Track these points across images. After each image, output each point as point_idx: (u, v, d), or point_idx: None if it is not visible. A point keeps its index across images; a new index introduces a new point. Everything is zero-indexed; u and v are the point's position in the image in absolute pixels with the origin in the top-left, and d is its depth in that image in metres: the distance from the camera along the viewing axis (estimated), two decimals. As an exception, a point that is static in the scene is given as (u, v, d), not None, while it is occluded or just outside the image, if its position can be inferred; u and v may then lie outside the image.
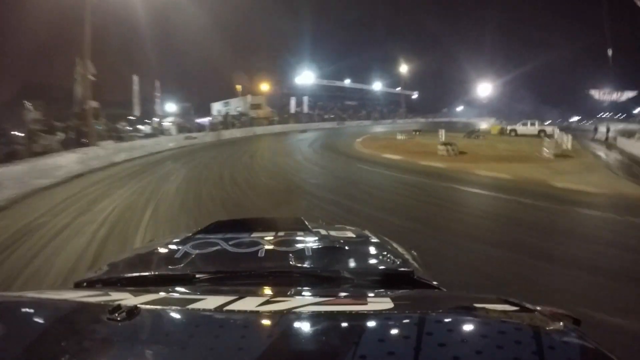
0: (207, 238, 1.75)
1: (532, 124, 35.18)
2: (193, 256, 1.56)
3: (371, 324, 0.83)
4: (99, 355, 0.76)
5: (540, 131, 32.93)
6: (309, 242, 1.68)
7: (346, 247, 1.73)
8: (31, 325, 0.89)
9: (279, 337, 0.78)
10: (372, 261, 1.68)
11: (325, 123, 51.19)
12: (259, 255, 1.55)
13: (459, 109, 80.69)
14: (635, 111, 75.04)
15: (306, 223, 1.99)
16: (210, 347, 0.77)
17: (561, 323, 0.86)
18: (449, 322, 0.85)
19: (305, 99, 54.29)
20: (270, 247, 1.63)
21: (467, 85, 77.51)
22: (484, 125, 54.59)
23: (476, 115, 74.32)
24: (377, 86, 73.97)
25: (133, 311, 0.87)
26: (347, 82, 68.00)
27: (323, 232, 1.90)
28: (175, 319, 0.94)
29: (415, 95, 76.53)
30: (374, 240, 1.92)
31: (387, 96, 74.05)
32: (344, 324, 0.85)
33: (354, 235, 1.96)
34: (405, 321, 0.86)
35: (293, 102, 51.86)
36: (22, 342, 0.80)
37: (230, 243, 1.66)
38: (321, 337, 0.81)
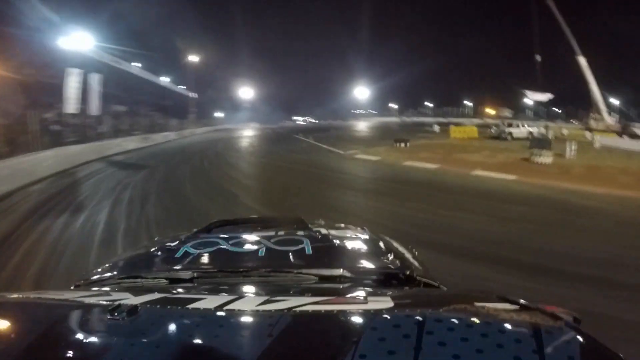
0: (207, 237, 1.74)
1: (523, 125, 32.89)
2: (193, 256, 1.55)
3: (371, 323, 0.82)
4: (100, 355, 0.75)
5: (529, 133, 30.30)
6: (309, 241, 1.65)
7: (346, 247, 1.74)
8: (32, 326, 0.89)
9: (279, 337, 0.77)
10: (373, 260, 1.63)
11: (122, 139, 26.00)
12: (259, 254, 1.55)
13: (219, 114, 69.27)
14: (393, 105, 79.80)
15: (306, 222, 1.98)
16: (210, 346, 0.77)
17: (561, 321, 0.85)
18: (449, 321, 0.85)
19: (95, 80, 24.52)
20: (271, 246, 1.61)
21: (233, 88, 68.30)
22: (248, 130, 50.09)
23: (240, 121, 66.70)
24: (157, 82, 53.88)
25: (133, 311, 0.87)
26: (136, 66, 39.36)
27: (323, 231, 1.88)
28: (175, 318, 0.93)
29: (193, 96, 55.22)
30: (375, 239, 1.89)
31: (167, 95, 51.49)
32: (344, 324, 0.85)
33: (355, 235, 1.96)
34: (405, 320, 0.86)
35: (74, 80, 22.19)
36: (22, 342, 0.80)
37: (230, 242, 1.65)
38: (321, 337, 0.81)
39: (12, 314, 0.96)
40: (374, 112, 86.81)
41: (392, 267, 1.52)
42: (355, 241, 1.88)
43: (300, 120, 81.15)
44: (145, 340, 0.81)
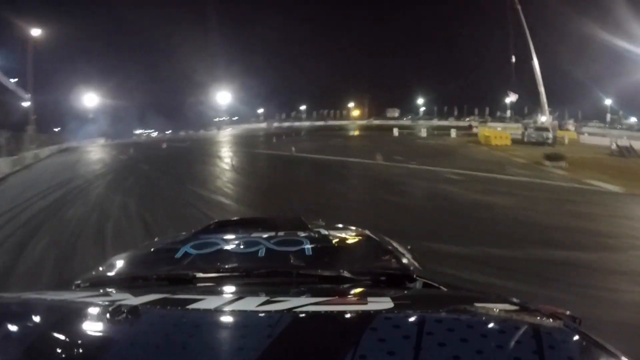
0: (207, 238, 1.73)
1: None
2: (193, 256, 1.54)
3: (371, 323, 0.81)
4: (99, 356, 0.75)
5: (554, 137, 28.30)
6: (309, 241, 1.63)
7: (346, 247, 1.75)
8: (31, 326, 0.88)
9: (279, 337, 0.77)
10: (372, 260, 1.62)
11: None
12: (259, 255, 1.53)
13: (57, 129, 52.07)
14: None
15: (306, 223, 1.96)
16: (210, 347, 0.77)
17: (561, 322, 0.85)
18: (449, 321, 0.84)
19: None
20: (270, 247, 1.60)
21: (75, 94, 54.45)
22: (116, 150, 34.43)
23: (87, 136, 51.02)
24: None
25: (133, 311, 0.86)
26: None
27: (323, 231, 1.86)
28: (175, 319, 0.93)
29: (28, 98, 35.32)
30: (375, 239, 1.87)
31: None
32: (344, 324, 0.85)
33: (354, 235, 1.94)
34: (405, 321, 0.86)
35: None
36: (22, 343, 0.79)
37: (230, 243, 1.65)
38: (321, 337, 0.80)
39: (12, 314, 0.96)
40: (236, 118, 75.60)
41: (392, 267, 1.52)
42: (355, 242, 1.87)
43: (147, 133, 65.12)
44: (145, 341, 0.81)
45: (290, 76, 74.61)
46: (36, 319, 0.94)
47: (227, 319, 0.90)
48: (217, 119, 72.35)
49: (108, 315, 0.84)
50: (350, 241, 1.84)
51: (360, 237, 1.91)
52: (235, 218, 2.14)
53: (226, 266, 1.46)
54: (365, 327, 0.78)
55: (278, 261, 1.48)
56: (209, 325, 0.86)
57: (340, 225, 2.13)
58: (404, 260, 1.58)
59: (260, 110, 77.84)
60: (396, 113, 75.17)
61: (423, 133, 37.25)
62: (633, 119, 45.04)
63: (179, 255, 1.54)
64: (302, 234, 1.74)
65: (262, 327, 0.83)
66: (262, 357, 0.70)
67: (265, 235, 1.71)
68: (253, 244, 1.60)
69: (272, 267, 1.42)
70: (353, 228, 2.05)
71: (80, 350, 0.77)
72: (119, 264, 1.64)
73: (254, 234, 1.75)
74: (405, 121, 63.78)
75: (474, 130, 38.32)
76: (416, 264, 1.60)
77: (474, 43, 67.22)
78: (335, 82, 78.53)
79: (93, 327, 0.87)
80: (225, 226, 1.99)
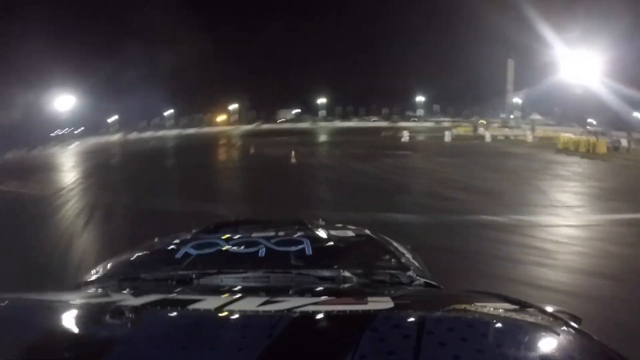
0: (207, 238, 1.73)
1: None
2: (193, 257, 1.54)
3: (371, 323, 0.81)
4: (100, 357, 0.74)
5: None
6: (309, 241, 1.63)
7: (346, 247, 1.73)
8: (32, 326, 0.88)
9: (279, 337, 0.77)
10: (373, 260, 1.62)
11: None
12: (259, 255, 1.53)
13: None
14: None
15: (306, 223, 1.96)
16: (210, 347, 0.76)
17: (561, 321, 0.86)
18: (449, 321, 0.84)
19: None
20: (271, 247, 1.60)
21: None
22: None
23: None
24: None
25: (133, 312, 0.87)
26: None
27: (323, 231, 1.86)
28: (175, 319, 0.92)
29: None
30: (375, 239, 1.90)
31: None
32: (344, 324, 0.85)
33: (355, 235, 1.93)
34: (405, 320, 0.85)
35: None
36: (22, 343, 0.79)
37: (230, 243, 1.64)
38: (321, 337, 0.80)
39: (12, 315, 0.96)
40: (81, 129, 54.97)
41: (392, 267, 1.51)
42: (355, 241, 1.86)
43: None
44: (145, 342, 0.81)
45: (150, 77, 57.67)
46: (36, 319, 0.93)
47: (227, 319, 0.90)
48: (55, 133, 50.09)
49: (108, 316, 0.84)
50: (350, 241, 1.83)
51: (360, 237, 1.92)
52: (235, 219, 2.14)
53: (226, 266, 1.44)
54: (365, 327, 0.78)
55: (278, 261, 1.48)
56: (209, 325, 0.86)
57: (340, 225, 2.11)
58: (404, 260, 1.60)
59: (114, 118, 58.01)
60: (290, 115, 67.71)
61: (447, 137, 30.07)
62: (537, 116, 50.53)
63: (179, 255, 1.54)
64: (302, 234, 1.75)
65: (262, 327, 0.83)
66: (262, 357, 0.70)
67: (265, 235, 1.71)
68: (253, 244, 1.61)
69: (272, 267, 1.42)
70: (353, 228, 2.04)
71: (81, 351, 0.77)
72: (119, 264, 1.64)
73: (254, 234, 1.76)
74: (311, 124, 57.67)
75: (480, 131, 34.20)
76: (416, 263, 1.62)
77: (377, 40, 64.50)
78: (207, 83, 64.92)
79: (93, 328, 0.87)
80: (225, 226, 1.99)
